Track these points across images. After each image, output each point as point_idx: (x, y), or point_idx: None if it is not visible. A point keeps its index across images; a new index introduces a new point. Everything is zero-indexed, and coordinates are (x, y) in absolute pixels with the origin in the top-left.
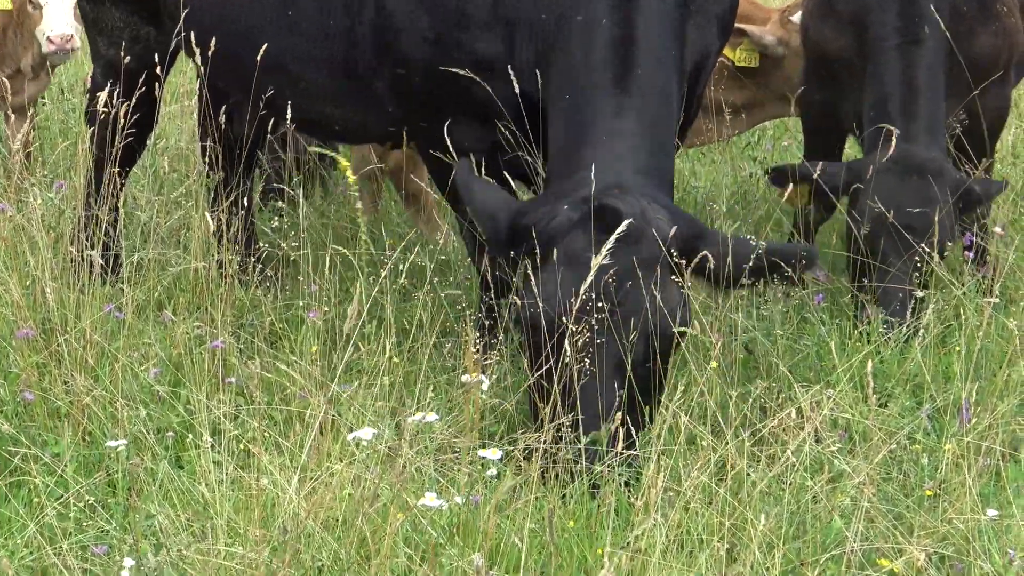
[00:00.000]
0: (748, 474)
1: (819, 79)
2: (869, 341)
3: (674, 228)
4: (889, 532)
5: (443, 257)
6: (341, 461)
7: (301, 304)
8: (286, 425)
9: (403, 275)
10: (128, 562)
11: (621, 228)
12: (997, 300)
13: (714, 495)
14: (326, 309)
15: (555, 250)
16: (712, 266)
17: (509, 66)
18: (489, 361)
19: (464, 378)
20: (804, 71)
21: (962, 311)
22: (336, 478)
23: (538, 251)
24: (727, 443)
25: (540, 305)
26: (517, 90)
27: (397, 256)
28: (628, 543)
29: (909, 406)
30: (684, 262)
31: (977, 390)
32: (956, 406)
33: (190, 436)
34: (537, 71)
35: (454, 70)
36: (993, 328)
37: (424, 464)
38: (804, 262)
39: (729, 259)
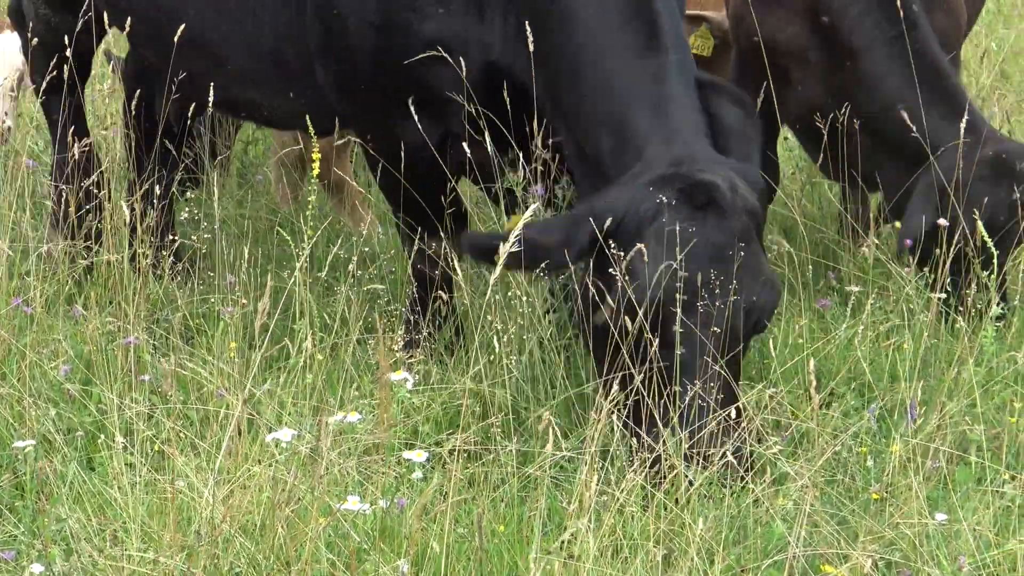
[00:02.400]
0: (685, 476)
1: (754, 71)
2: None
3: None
4: (833, 537)
5: (367, 249)
6: (260, 463)
7: (216, 299)
8: (202, 425)
9: (325, 268)
10: (37, 568)
11: (717, 201)
12: (945, 296)
13: (650, 498)
14: (244, 302)
15: (653, 233)
16: None
17: (480, 41)
18: (413, 359)
19: (390, 376)
20: (734, 63)
21: (904, 308)
22: (254, 480)
23: (627, 236)
24: (664, 443)
25: (648, 289)
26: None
27: (318, 248)
28: (557, 547)
29: (855, 406)
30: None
31: (925, 390)
32: (903, 406)
33: (102, 436)
34: (529, 42)
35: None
36: (942, 327)
37: (347, 466)
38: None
39: None
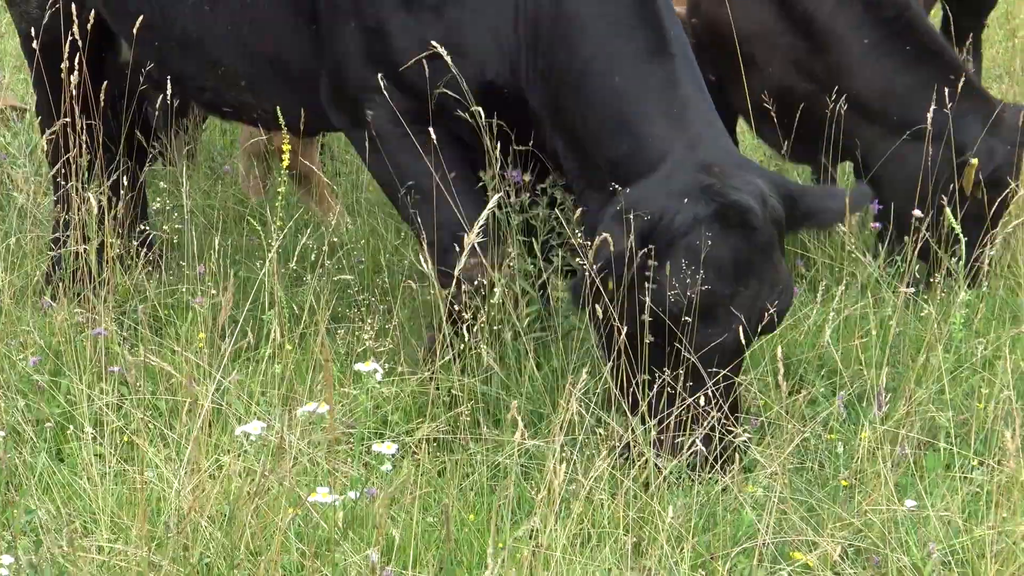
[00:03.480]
0: (655, 464)
1: (712, 57)
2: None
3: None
4: (802, 524)
5: (335, 239)
6: (229, 453)
7: (185, 290)
8: (171, 416)
9: (293, 258)
10: (6, 559)
11: (751, 223)
12: (914, 289)
13: (619, 486)
14: (213, 293)
15: (683, 249)
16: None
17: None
18: (382, 348)
19: (357, 367)
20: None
21: (870, 293)
22: (224, 471)
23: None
24: (632, 430)
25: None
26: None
27: (287, 238)
28: (526, 535)
29: (823, 393)
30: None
31: (893, 377)
32: (871, 393)
33: (71, 428)
34: (530, 50)
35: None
36: (911, 313)
37: (317, 456)
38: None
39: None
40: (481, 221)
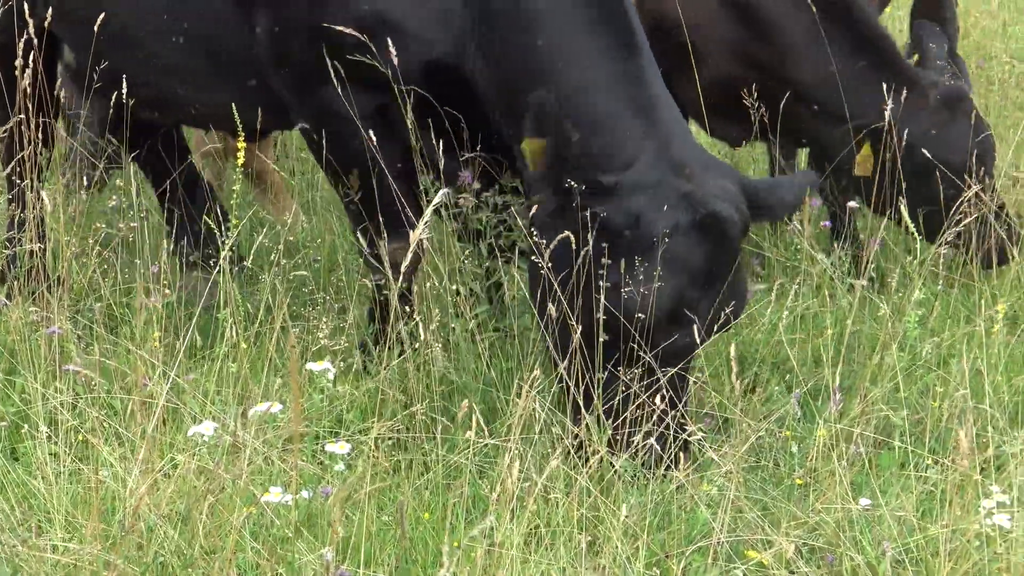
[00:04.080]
0: (610, 463)
1: (657, 51)
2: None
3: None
4: (757, 523)
5: (291, 238)
6: (184, 452)
7: (140, 288)
8: (126, 415)
9: (249, 257)
10: None
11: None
12: (867, 284)
13: (573, 484)
14: (167, 292)
15: (662, 255)
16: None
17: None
18: (337, 347)
19: (309, 366)
20: None
21: (824, 291)
22: (178, 470)
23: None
24: (586, 428)
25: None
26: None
27: (243, 237)
28: (481, 534)
29: (778, 391)
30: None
31: (848, 375)
32: (826, 392)
33: (25, 426)
34: (480, 37)
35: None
36: (866, 311)
37: (271, 455)
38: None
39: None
40: (426, 217)
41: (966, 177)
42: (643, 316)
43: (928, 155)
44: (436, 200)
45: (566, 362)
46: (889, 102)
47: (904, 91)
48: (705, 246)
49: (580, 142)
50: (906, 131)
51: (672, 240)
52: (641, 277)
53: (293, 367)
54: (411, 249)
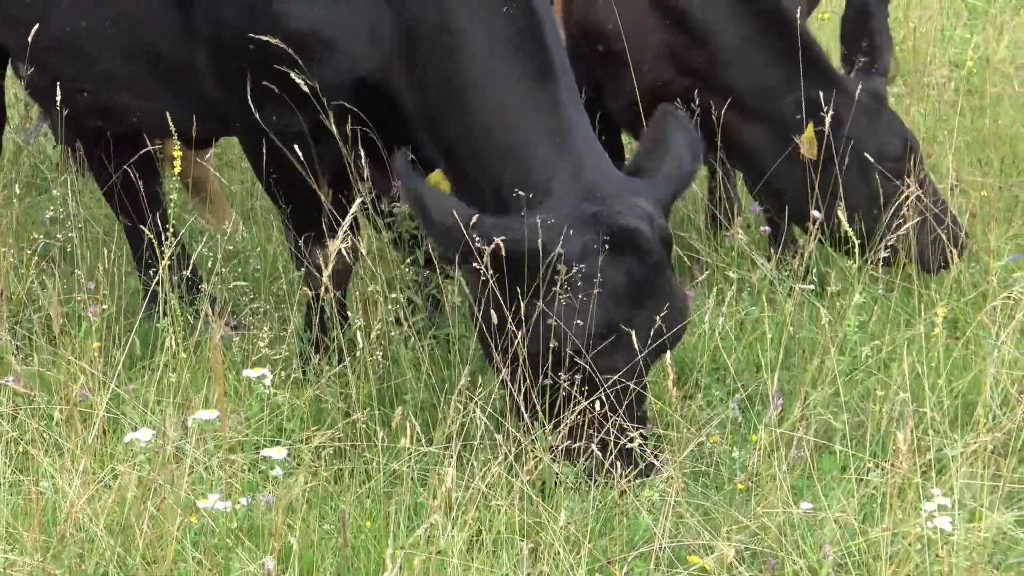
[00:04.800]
0: (552, 469)
1: (587, 61)
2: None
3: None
4: (699, 528)
5: (230, 247)
6: (124, 462)
7: (79, 299)
8: (67, 425)
9: (188, 266)
10: None
11: (642, 246)
12: (813, 287)
13: (514, 491)
14: (105, 307)
15: (575, 279)
16: None
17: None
18: (277, 356)
19: (246, 372)
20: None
21: (764, 296)
22: (119, 480)
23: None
24: (526, 434)
25: (564, 331)
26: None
27: (180, 247)
28: (423, 541)
29: (719, 396)
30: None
31: (788, 379)
32: (767, 396)
33: None
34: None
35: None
36: (806, 315)
37: (212, 464)
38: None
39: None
40: (344, 228)
41: (905, 178)
42: (574, 344)
43: (866, 148)
44: (353, 209)
45: (505, 371)
46: (829, 109)
47: (833, 96)
48: (621, 263)
49: (496, 168)
50: (841, 133)
51: (584, 263)
52: (557, 303)
53: (218, 369)
54: (331, 258)
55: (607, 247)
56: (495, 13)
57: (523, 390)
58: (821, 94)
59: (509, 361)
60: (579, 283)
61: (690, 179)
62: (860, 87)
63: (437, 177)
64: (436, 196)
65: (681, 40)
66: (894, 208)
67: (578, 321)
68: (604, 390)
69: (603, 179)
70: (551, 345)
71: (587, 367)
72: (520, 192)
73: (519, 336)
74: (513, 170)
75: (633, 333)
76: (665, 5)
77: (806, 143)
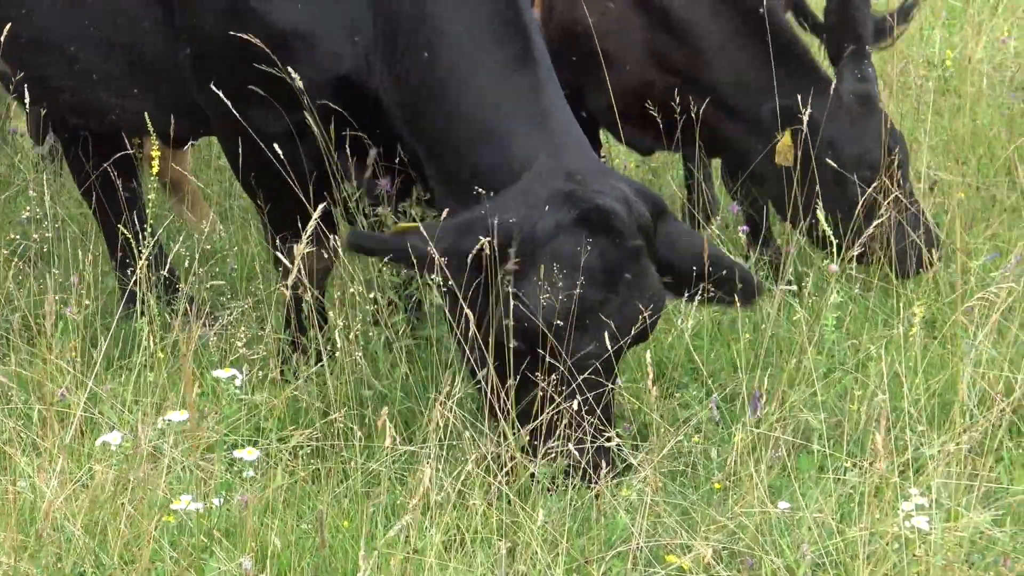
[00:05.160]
0: (528, 469)
1: (569, 60)
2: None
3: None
4: (676, 527)
5: (208, 247)
6: (101, 462)
7: (57, 298)
8: (44, 425)
9: (166, 266)
10: None
11: (616, 227)
12: (793, 288)
13: (492, 491)
14: (86, 303)
15: (547, 256)
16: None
17: (330, 44)
18: (255, 356)
19: (216, 373)
20: None
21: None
22: (96, 480)
23: (517, 254)
24: (501, 434)
25: (540, 314)
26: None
27: (158, 247)
28: (400, 541)
29: (697, 396)
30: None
31: (767, 379)
32: (745, 396)
33: None
34: (385, 52)
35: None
36: (782, 315)
37: (189, 464)
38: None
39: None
40: (309, 230)
41: (885, 179)
42: (545, 322)
43: (846, 154)
44: (317, 213)
45: (484, 371)
46: (807, 110)
47: (818, 94)
48: (594, 243)
49: (476, 156)
50: (824, 132)
51: (557, 239)
52: (535, 281)
53: (187, 377)
54: (298, 259)
55: (578, 225)
56: (473, 2)
57: (498, 390)
58: (799, 97)
59: (481, 362)
60: (549, 261)
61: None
62: (847, 89)
63: (401, 228)
64: (378, 236)
65: (664, 39)
66: (867, 211)
67: (546, 299)
68: (567, 375)
69: (583, 164)
70: (521, 325)
71: (555, 348)
72: (481, 190)
73: (492, 324)
74: (492, 156)
75: (603, 318)
76: (649, 5)
77: (782, 151)
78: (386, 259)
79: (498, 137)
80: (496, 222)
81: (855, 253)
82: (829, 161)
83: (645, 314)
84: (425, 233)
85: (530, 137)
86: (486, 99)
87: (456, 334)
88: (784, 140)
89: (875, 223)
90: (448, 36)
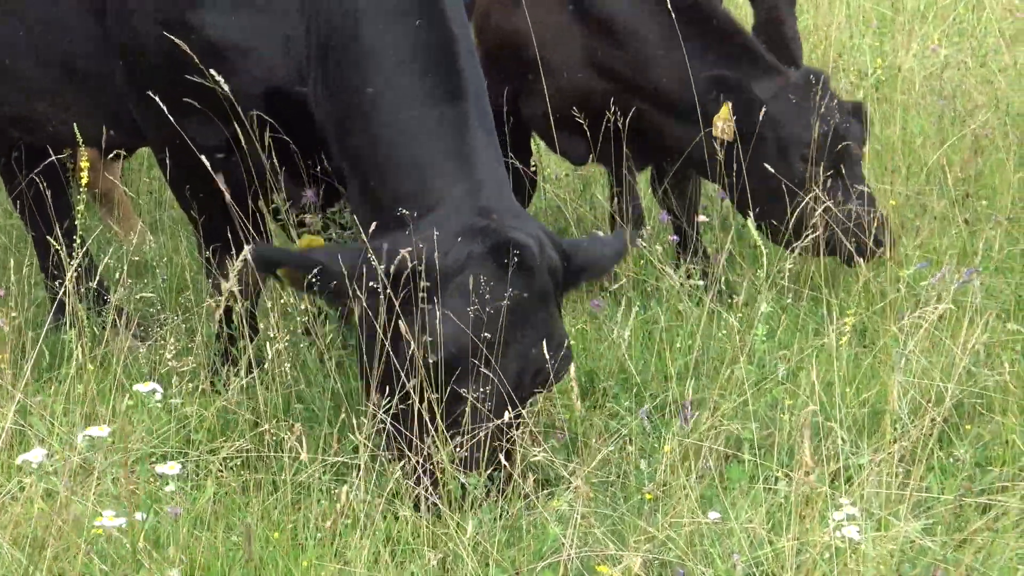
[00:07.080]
0: (459, 480)
1: (505, 70)
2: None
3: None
4: (607, 538)
5: (137, 258)
6: (31, 475)
7: None
8: None
9: (95, 277)
10: None
11: (527, 262)
12: (719, 296)
13: (422, 501)
14: (14, 315)
15: (457, 286)
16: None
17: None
18: (185, 368)
19: (136, 387)
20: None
21: (674, 305)
22: (25, 492)
23: (423, 283)
24: (433, 444)
25: (441, 341)
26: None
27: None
28: (331, 552)
29: (627, 407)
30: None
31: (697, 389)
32: (675, 406)
33: None
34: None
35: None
36: (714, 325)
37: (118, 476)
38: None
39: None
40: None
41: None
42: (448, 351)
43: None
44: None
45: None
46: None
47: (763, 75)
48: (503, 277)
49: (396, 182)
50: (767, 111)
51: (465, 271)
52: (438, 309)
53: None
54: (231, 277)
55: (489, 257)
56: (407, 30)
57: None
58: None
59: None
60: (455, 293)
61: (607, 261)
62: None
63: (307, 241)
64: (283, 250)
65: (602, 44)
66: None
67: (448, 329)
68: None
69: (499, 203)
70: (421, 357)
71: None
72: (405, 211)
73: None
74: (412, 185)
75: (506, 357)
76: (587, 13)
77: (719, 124)
78: (289, 269)
79: (418, 169)
80: (407, 250)
81: (804, 244)
82: (769, 140)
83: (547, 356)
84: (330, 252)
85: (450, 171)
86: (408, 130)
87: (360, 358)
88: (721, 112)
89: (820, 209)
90: (377, 61)
